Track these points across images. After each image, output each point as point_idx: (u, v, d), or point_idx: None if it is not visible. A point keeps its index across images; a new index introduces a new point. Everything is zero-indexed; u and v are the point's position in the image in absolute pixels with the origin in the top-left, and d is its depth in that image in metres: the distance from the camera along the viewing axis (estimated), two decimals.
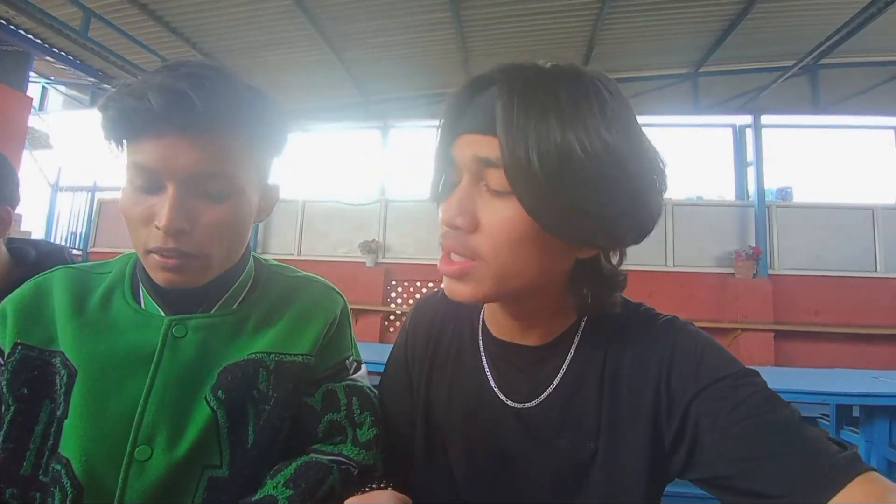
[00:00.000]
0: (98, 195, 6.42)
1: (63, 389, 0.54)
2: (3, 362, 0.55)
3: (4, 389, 0.54)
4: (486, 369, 0.60)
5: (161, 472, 0.52)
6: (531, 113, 0.44)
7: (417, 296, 5.80)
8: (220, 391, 0.56)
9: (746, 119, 5.64)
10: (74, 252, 6.26)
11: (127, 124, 0.50)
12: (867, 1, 3.53)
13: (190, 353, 0.57)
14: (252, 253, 0.68)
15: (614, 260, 0.56)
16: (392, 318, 5.84)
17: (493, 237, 0.47)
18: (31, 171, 6.19)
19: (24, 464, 0.53)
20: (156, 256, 0.53)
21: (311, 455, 0.57)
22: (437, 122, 0.53)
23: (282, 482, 0.53)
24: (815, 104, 5.51)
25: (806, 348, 5.02)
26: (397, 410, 0.66)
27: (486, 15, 4.47)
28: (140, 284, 0.61)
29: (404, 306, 5.78)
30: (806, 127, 5.84)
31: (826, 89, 5.48)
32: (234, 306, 0.62)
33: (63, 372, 0.55)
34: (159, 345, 0.56)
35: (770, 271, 5.24)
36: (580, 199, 0.44)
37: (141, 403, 0.54)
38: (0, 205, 0.92)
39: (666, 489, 0.54)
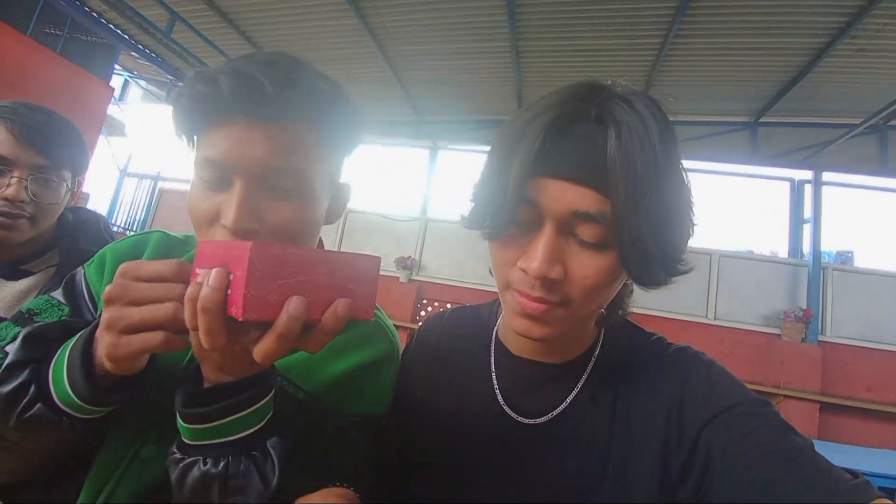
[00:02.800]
0: (160, 184, 6.84)
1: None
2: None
3: None
4: (496, 385, 0.60)
5: (161, 474, 0.49)
6: (638, 171, 0.43)
7: None
8: None
9: (806, 174, 5.40)
10: (129, 233, 6.63)
11: (197, 112, 0.49)
12: None
13: None
14: None
15: None
16: None
17: (585, 288, 0.47)
18: (104, 156, 6.66)
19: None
20: None
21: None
22: (502, 149, 0.49)
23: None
24: (883, 166, 5.22)
25: (853, 425, 4.64)
26: (400, 427, 0.65)
27: (544, 48, 4.53)
28: None
29: None
30: (870, 188, 5.53)
31: (894, 151, 5.19)
32: None
33: None
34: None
35: (820, 337, 4.91)
36: (667, 248, 0.47)
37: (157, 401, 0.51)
38: (77, 175, 1.00)
39: None
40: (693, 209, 0.50)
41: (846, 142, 4.82)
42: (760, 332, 5.07)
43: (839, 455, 2.41)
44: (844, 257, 5.30)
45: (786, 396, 4.72)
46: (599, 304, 0.51)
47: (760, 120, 5.42)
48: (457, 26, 4.34)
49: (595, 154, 0.44)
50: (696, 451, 0.48)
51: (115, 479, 0.50)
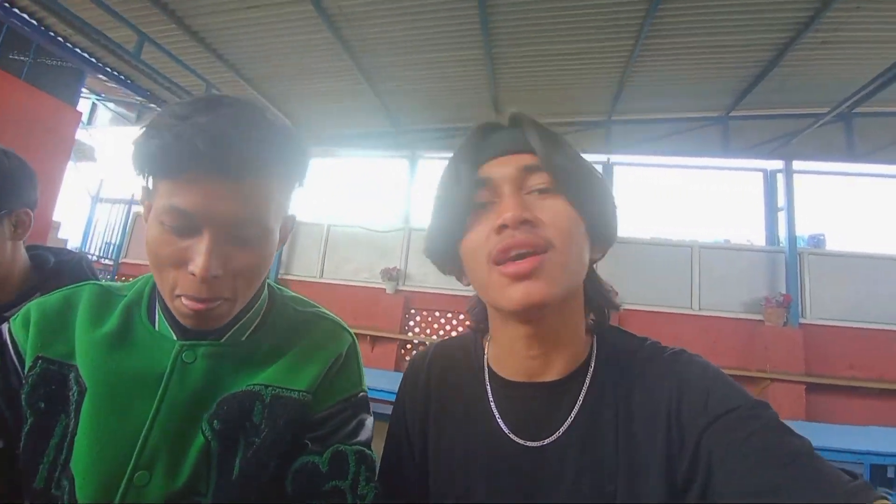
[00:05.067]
0: (134, 208, 6.68)
1: (74, 406, 0.55)
2: (24, 375, 0.56)
3: (24, 402, 0.55)
4: (496, 415, 0.60)
5: (156, 500, 0.52)
6: (551, 136, 0.58)
7: (435, 325, 5.76)
8: (215, 421, 0.56)
9: (778, 164, 5.56)
10: (106, 262, 6.47)
11: (166, 163, 0.50)
12: None
13: (197, 380, 0.57)
14: (268, 283, 0.68)
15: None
16: (409, 346, 5.79)
17: (557, 226, 0.53)
18: (74, 182, 6.50)
19: (37, 477, 0.53)
20: (185, 301, 0.53)
21: None
22: (446, 175, 0.60)
23: None
24: (850, 152, 5.41)
25: (839, 403, 4.76)
26: (401, 472, 0.65)
27: (516, 54, 4.58)
28: (157, 306, 0.61)
29: (421, 336, 5.73)
30: (839, 174, 5.72)
31: (861, 137, 5.39)
32: (244, 337, 0.62)
33: (74, 388, 0.55)
34: (168, 369, 0.56)
35: (801, 320, 5.04)
36: (597, 197, 0.56)
37: (146, 428, 0.53)
38: (20, 207, 0.91)
39: None
40: (605, 181, 0.60)
41: (814, 131, 4.97)
42: (744, 320, 5.18)
43: (829, 436, 2.45)
44: (816, 241, 5.47)
45: (772, 380, 4.82)
46: (577, 251, 0.54)
47: (731, 114, 5.57)
48: (430, 36, 4.36)
49: (521, 136, 0.57)
50: (698, 457, 0.48)
51: None
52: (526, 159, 0.56)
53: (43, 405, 0.55)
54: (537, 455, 0.56)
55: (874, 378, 4.76)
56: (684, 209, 5.99)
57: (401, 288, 5.90)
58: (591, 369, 0.58)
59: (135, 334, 0.59)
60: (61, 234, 6.30)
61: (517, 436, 0.57)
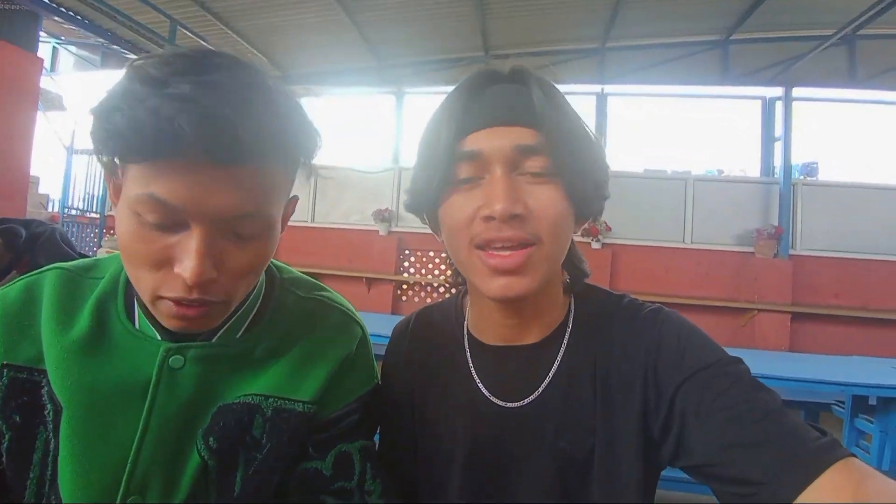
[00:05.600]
0: None
1: (52, 425, 0.49)
2: None
3: None
4: (477, 379, 0.60)
5: None
6: (557, 105, 0.52)
7: (430, 265, 5.79)
8: (210, 438, 0.50)
9: (777, 91, 5.37)
10: (91, 215, 6.33)
11: (139, 145, 0.39)
12: None
13: (188, 389, 0.50)
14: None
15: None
16: (404, 286, 5.85)
17: (547, 219, 0.50)
18: (46, 134, 6.21)
19: (27, 492, 0.49)
20: (171, 305, 0.44)
21: None
22: (431, 129, 0.54)
23: None
24: (852, 77, 5.24)
25: (823, 331, 4.93)
26: (393, 442, 0.65)
27: None
28: (135, 299, 0.52)
29: (416, 276, 5.78)
30: (840, 101, 5.56)
31: (864, 61, 5.20)
32: (239, 334, 0.54)
33: (49, 406, 0.49)
34: (155, 377, 0.49)
35: (791, 251, 5.10)
36: (593, 176, 0.53)
37: (134, 449, 0.48)
38: None
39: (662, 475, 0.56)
40: (602, 150, 0.56)
41: (816, 55, 4.76)
42: (735, 252, 5.22)
43: (812, 366, 2.55)
44: (809, 169, 5.43)
45: (759, 311, 4.96)
46: (563, 242, 0.53)
47: (732, 37, 5.32)
48: None
49: (520, 100, 0.51)
50: (673, 413, 0.49)
51: None
52: (524, 135, 0.50)
53: (18, 419, 0.49)
54: (517, 415, 0.56)
55: (857, 306, 4.89)
56: (679, 139, 5.88)
57: (394, 229, 5.86)
58: (569, 330, 0.58)
59: (111, 335, 0.51)
60: (41, 190, 6.11)
61: (497, 398, 0.58)
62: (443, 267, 5.76)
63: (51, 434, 0.49)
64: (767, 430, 0.44)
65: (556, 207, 0.50)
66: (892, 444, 2.26)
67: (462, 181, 0.51)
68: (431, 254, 5.80)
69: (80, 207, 6.36)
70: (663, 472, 0.55)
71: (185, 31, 4.78)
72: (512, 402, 0.57)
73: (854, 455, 0.42)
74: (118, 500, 0.47)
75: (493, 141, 0.50)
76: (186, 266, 0.42)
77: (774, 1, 4.49)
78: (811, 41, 4.80)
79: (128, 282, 0.53)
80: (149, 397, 0.49)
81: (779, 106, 5.37)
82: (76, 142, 6.43)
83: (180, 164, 0.40)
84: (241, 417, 0.51)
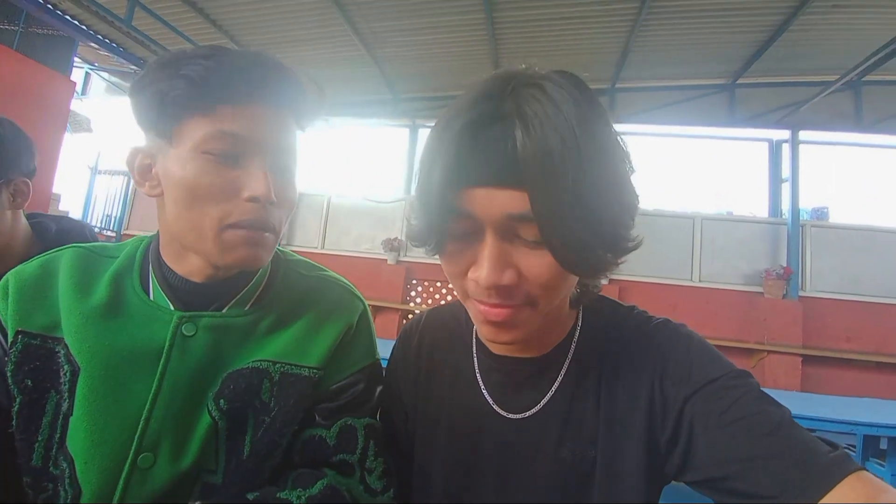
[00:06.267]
0: None
1: (67, 386, 0.52)
2: (6, 349, 0.53)
3: (10, 381, 0.52)
4: (482, 386, 0.60)
5: (164, 482, 0.50)
6: (555, 162, 0.40)
7: (437, 296, 5.80)
8: (221, 400, 0.53)
9: (784, 134, 5.45)
10: (108, 233, 6.47)
11: (205, 92, 0.49)
12: None
13: (199, 355, 0.53)
14: None
15: None
16: (410, 316, 5.84)
17: (543, 286, 0.46)
18: (72, 154, 6.43)
19: (34, 455, 0.51)
20: (239, 232, 0.51)
21: (333, 481, 0.54)
22: (424, 165, 0.47)
23: (305, 497, 0.51)
24: (858, 122, 5.29)
25: (835, 375, 4.82)
26: (394, 438, 0.65)
27: (519, 17, 4.44)
28: (150, 273, 0.57)
29: (423, 305, 5.78)
30: (846, 145, 5.62)
31: (869, 107, 5.27)
32: (248, 306, 0.58)
33: (66, 367, 0.52)
34: (168, 343, 0.53)
35: (801, 293, 5.05)
36: (604, 232, 0.44)
37: (147, 408, 0.51)
38: (17, 176, 0.91)
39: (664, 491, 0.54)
40: (632, 183, 0.48)
41: (822, 99, 4.85)
42: (743, 292, 5.18)
43: (822, 406, 2.50)
44: (820, 213, 5.42)
45: (769, 352, 4.87)
46: (563, 296, 0.50)
47: (738, 81, 5.43)
48: (429, 0, 4.22)
49: (514, 154, 0.41)
50: (680, 427, 0.49)
51: (119, 490, 0.49)
52: (516, 201, 0.42)
53: (30, 383, 0.52)
54: (520, 427, 0.56)
55: (871, 351, 4.79)
56: (688, 180, 5.93)
57: (402, 259, 5.91)
58: (575, 343, 0.57)
59: (128, 305, 0.55)
60: (62, 207, 6.28)
61: (501, 408, 0.57)
62: (449, 298, 5.77)
63: (64, 396, 0.52)
64: (778, 443, 0.43)
65: (551, 273, 0.45)
66: None
67: (456, 235, 0.47)
68: (438, 284, 5.82)
69: (99, 226, 6.52)
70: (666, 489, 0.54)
71: None
72: (515, 413, 0.57)
73: (865, 468, 0.41)
74: (130, 456, 0.50)
75: (484, 204, 0.44)
76: (257, 188, 0.50)
77: (778, 48, 4.61)
78: (816, 86, 4.89)
79: (143, 258, 0.58)
80: (162, 361, 0.52)
81: (785, 148, 5.43)
82: (100, 163, 6.66)
83: (242, 103, 0.51)
84: (251, 381, 0.54)
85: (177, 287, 0.56)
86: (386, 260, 5.90)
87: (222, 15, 4.65)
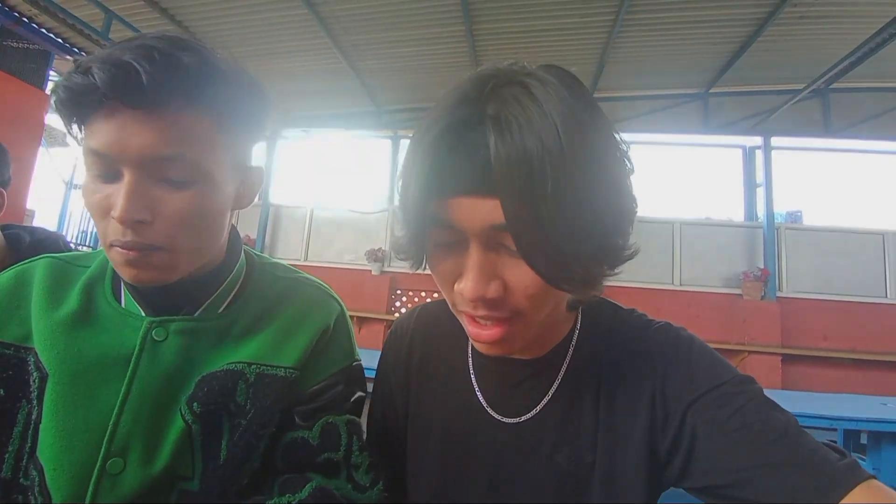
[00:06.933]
0: None
1: (36, 393, 0.51)
2: None
3: None
4: (476, 388, 0.58)
5: (134, 487, 0.49)
6: (533, 167, 0.37)
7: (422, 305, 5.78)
8: (195, 404, 0.52)
9: (756, 140, 5.62)
10: (84, 248, 6.32)
11: (75, 104, 0.46)
12: (878, 27, 3.53)
13: (169, 359, 0.52)
14: (245, 249, 0.63)
15: None
16: None
17: (530, 297, 0.43)
18: (47, 169, 6.28)
19: (4, 466, 0.50)
20: (118, 249, 0.48)
21: (322, 483, 0.53)
22: (403, 175, 0.45)
23: (295, 502, 0.50)
24: (826, 128, 5.49)
25: (814, 373, 4.94)
26: (387, 439, 0.64)
27: (498, 30, 4.52)
28: (122, 281, 0.56)
29: None
30: (816, 150, 5.82)
31: (837, 113, 5.47)
32: (220, 309, 0.57)
33: (35, 374, 0.51)
34: (137, 348, 0.52)
35: (778, 294, 5.19)
36: (593, 251, 0.41)
37: (115, 412, 0.50)
38: None
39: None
40: (630, 186, 0.45)
41: (791, 107, 5.02)
42: (723, 294, 5.31)
43: (804, 403, 2.56)
44: (794, 217, 5.60)
45: (750, 352, 4.98)
46: (553, 307, 0.47)
47: (711, 91, 5.60)
48: (410, 12, 4.27)
49: (489, 160, 0.39)
50: (682, 433, 0.47)
51: (89, 496, 0.48)
52: (498, 211, 0.39)
53: (2, 392, 0.51)
54: (514, 431, 0.54)
55: (847, 349, 4.94)
56: (666, 187, 6.05)
57: (386, 269, 5.89)
58: (573, 346, 0.56)
59: (98, 312, 0.54)
60: (36, 223, 6.12)
61: (495, 411, 0.56)
62: None
63: (34, 405, 0.51)
64: (785, 451, 0.42)
65: (538, 286, 0.42)
66: (885, 479, 2.21)
67: (441, 245, 0.45)
68: (423, 294, 5.81)
69: (74, 241, 6.37)
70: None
71: None
72: (510, 417, 0.55)
73: (875, 477, 0.40)
74: (99, 462, 0.49)
75: (465, 214, 0.41)
76: (116, 206, 0.46)
77: (749, 58, 4.76)
78: (786, 94, 5.06)
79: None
80: (131, 366, 0.51)
81: (758, 154, 5.61)
82: (76, 177, 6.52)
83: (104, 114, 0.46)
84: (225, 384, 0.53)
85: (146, 294, 0.55)
86: (370, 271, 5.87)
87: (199, 27, 4.63)
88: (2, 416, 0.51)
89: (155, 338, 0.53)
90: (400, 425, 0.62)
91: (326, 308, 0.62)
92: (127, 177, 0.46)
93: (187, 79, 0.47)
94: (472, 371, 0.59)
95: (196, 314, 0.56)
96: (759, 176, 5.58)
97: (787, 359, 4.98)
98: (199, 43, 0.50)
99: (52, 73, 5.11)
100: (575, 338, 0.56)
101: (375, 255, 5.82)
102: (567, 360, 0.55)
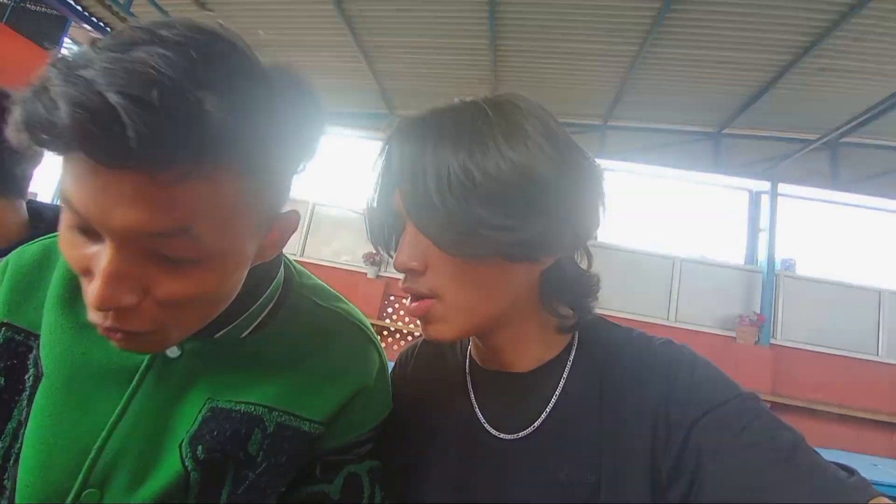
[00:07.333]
0: None
1: (27, 392, 0.44)
2: None
3: None
4: (474, 403, 0.58)
5: None
6: (425, 154, 0.47)
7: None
8: (199, 447, 0.44)
9: (764, 185, 5.64)
10: None
11: (34, 139, 0.30)
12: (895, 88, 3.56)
13: (178, 381, 0.45)
14: (286, 264, 0.54)
15: (583, 265, 0.56)
16: (385, 333, 5.74)
17: (441, 273, 0.49)
18: None
19: None
20: (98, 328, 0.38)
21: None
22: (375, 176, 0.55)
23: None
24: (834, 180, 5.53)
25: (801, 424, 4.82)
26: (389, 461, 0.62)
27: (522, 48, 4.53)
28: None
29: (399, 323, 5.69)
30: (822, 201, 5.84)
31: (845, 167, 5.51)
32: (244, 334, 0.48)
33: (31, 371, 0.45)
34: (145, 364, 0.45)
35: (772, 340, 5.16)
36: (491, 218, 0.45)
37: (103, 435, 0.43)
38: None
39: None
40: (571, 181, 0.49)
41: (802, 156, 5.06)
42: (717, 335, 5.27)
43: None
44: (787, 264, 5.59)
45: None
46: (477, 293, 0.50)
47: (724, 131, 5.62)
48: (436, 20, 4.27)
49: (411, 159, 0.49)
50: (686, 451, 0.46)
51: None
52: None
53: (3, 381, 0.45)
54: (514, 448, 0.54)
55: (834, 403, 4.90)
56: (669, 221, 6.05)
57: (382, 273, 5.83)
58: (570, 361, 0.55)
59: None
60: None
61: (494, 428, 0.55)
62: None
63: (24, 405, 0.45)
64: (795, 469, 0.41)
65: (450, 263, 0.48)
66: None
67: (399, 231, 0.55)
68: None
69: None
70: None
71: None
72: (509, 433, 0.54)
73: (885, 495, 0.40)
74: (74, 489, 0.42)
75: (398, 200, 0.51)
76: (92, 287, 0.34)
77: (764, 103, 4.80)
78: (797, 143, 5.10)
79: None
80: (134, 380, 0.44)
81: (764, 199, 5.62)
82: None
83: (85, 162, 0.31)
84: (239, 429, 0.45)
85: None
86: (366, 274, 5.81)
87: (223, 11, 4.61)
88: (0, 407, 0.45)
89: (168, 355, 0.46)
90: (402, 447, 0.61)
91: (366, 361, 0.54)
92: (108, 250, 0.34)
93: (205, 134, 0.31)
94: (470, 388, 0.60)
95: (217, 335, 0.47)
96: (763, 221, 5.58)
97: (777, 407, 4.91)
98: (236, 56, 0.34)
99: (66, 40, 5.08)
100: (572, 353, 0.56)
101: (373, 259, 5.76)
102: (564, 374, 0.55)
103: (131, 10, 4.21)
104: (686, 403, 0.47)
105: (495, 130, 0.47)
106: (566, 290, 0.55)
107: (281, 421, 0.47)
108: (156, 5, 4.36)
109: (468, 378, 0.60)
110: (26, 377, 0.45)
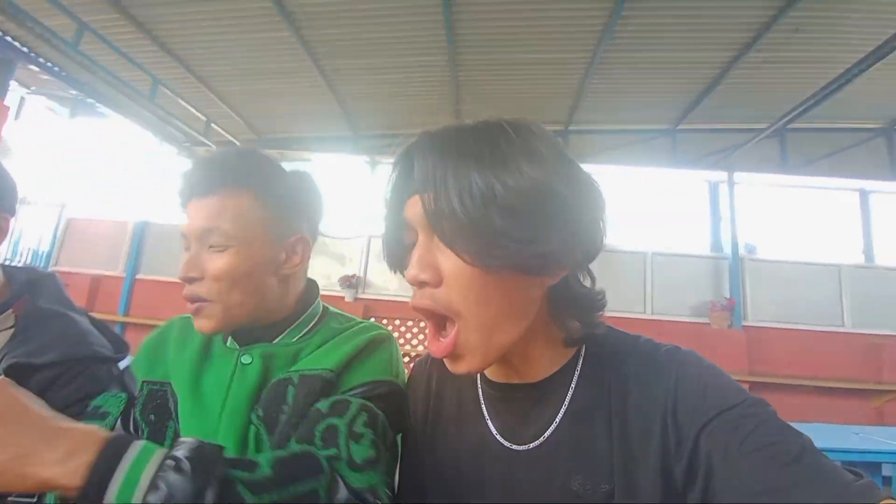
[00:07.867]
0: (65, 212, 6.17)
1: (174, 413, 0.67)
2: (136, 395, 0.70)
3: (138, 417, 0.67)
4: (486, 416, 0.59)
5: None
6: (447, 165, 0.48)
7: (396, 334, 5.66)
8: (259, 409, 0.63)
9: (721, 175, 5.88)
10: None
11: (181, 194, 0.69)
12: (834, 73, 3.78)
13: (253, 378, 0.65)
14: (322, 303, 0.78)
15: (586, 283, 0.57)
16: None
17: (457, 288, 0.49)
18: None
19: None
20: (188, 304, 0.66)
21: (310, 449, 0.55)
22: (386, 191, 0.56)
23: (270, 457, 0.51)
24: (784, 165, 5.81)
25: (780, 400, 5.00)
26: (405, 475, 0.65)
27: (481, 62, 4.62)
28: None
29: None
30: (776, 186, 6.13)
31: (794, 151, 5.81)
32: (294, 339, 0.71)
33: (171, 400, 0.67)
34: (231, 370, 0.67)
35: (744, 322, 5.34)
36: (512, 230, 0.46)
37: (216, 423, 0.63)
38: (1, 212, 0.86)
39: None
40: (581, 199, 0.50)
41: (753, 145, 5.29)
42: (692, 323, 5.43)
43: None
44: (749, 249, 5.83)
45: None
46: (496, 312, 0.50)
47: (679, 127, 5.85)
48: (394, 40, 4.31)
49: (428, 168, 0.49)
50: (697, 458, 0.47)
51: None
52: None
53: (153, 416, 0.67)
54: (526, 459, 0.54)
55: (809, 376, 5.10)
56: (637, 218, 6.21)
57: (360, 295, 5.77)
58: (578, 370, 0.56)
59: (212, 350, 0.71)
60: None
61: (506, 439, 0.56)
62: (408, 336, 5.63)
63: (177, 422, 0.66)
64: (803, 473, 0.42)
65: (467, 274, 0.48)
66: None
67: (410, 245, 0.53)
68: (398, 322, 5.69)
69: (25, 262, 5.98)
70: None
71: (165, 89, 4.85)
72: (520, 444, 0.55)
73: (893, 498, 0.40)
74: None
75: (412, 209, 0.51)
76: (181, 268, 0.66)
77: (714, 98, 5.04)
78: (748, 132, 5.34)
79: None
80: (226, 386, 0.66)
81: (723, 188, 5.85)
82: (28, 193, 6.19)
83: (187, 204, 0.69)
84: (279, 389, 0.64)
85: (236, 335, 0.72)
86: (343, 297, 5.73)
87: (177, 44, 4.53)
88: (155, 435, 0.66)
89: (243, 362, 0.67)
90: (417, 461, 0.63)
91: (376, 329, 0.72)
92: (189, 246, 0.67)
93: (228, 171, 0.67)
94: (482, 400, 0.60)
95: (275, 341, 0.71)
96: (724, 209, 5.80)
97: (755, 386, 5.07)
98: (254, 150, 0.73)
99: (11, 83, 4.89)
100: (580, 363, 0.57)
101: (349, 282, 5.69)
102: (573, 384, 0.56)
103: (80, 48, 4.10)
104: (693, 409, 0.48)
105: (515, 148, 0.48)
106: (573, 304, 0.55)
107: (303, 373, 0.65)
108: (104, 41, 4.25)
109: (479, 391, 0.61)
110: (172, 405, 0.67)
